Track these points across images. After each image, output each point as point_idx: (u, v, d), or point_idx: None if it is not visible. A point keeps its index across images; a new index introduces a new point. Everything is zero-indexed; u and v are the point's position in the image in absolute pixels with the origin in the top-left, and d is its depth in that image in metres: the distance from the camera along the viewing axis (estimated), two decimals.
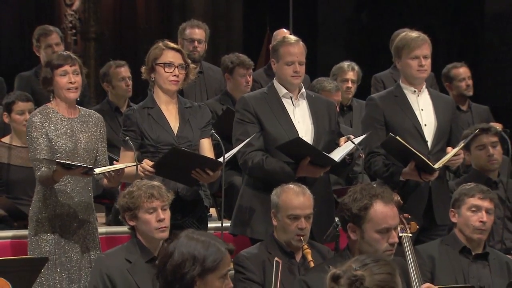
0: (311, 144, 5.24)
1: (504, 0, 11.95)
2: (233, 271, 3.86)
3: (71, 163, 4.76)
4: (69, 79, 4.94)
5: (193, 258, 3.25)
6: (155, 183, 4.56)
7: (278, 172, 5.18)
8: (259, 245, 4.91)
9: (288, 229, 4.76)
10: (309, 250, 4.70)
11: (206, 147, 5.23)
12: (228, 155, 5.06)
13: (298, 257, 4.79)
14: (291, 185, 4.86)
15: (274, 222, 4.83)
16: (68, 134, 4.97)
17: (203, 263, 3.24)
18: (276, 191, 4.85)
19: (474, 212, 4.89)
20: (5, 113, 6.16)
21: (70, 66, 4.96)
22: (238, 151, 5.20)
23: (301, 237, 4.74)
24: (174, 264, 3.27)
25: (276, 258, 3.75)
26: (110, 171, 4.80)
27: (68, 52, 5.13)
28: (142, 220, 4.46)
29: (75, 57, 5.05)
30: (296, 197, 4.77)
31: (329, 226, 5.13)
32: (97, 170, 4.76)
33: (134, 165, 4.86)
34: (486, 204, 4.91)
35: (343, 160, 5.19)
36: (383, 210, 4.01)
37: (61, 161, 4.75)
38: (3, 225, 5.89)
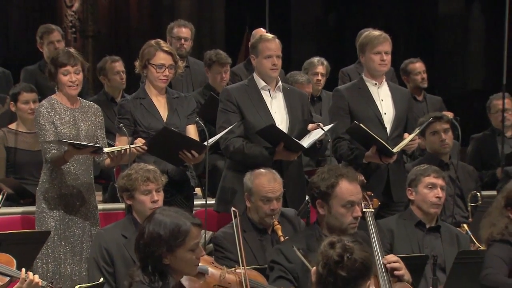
0: (286, 131, 5.24)
1: (454, 3, 12.00)
2: (202, 241, 3.84)
3: (81, 143, 4.78)
4: (70, 78, 4.94)
5: (159, 238, 3.25)
6: (151, 167, 4.54)
7: (257, 156, 5.18)
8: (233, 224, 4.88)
9: (261, 210, 4.74)
10: (279, 226, 4.69)
11: (192, 132, 5.23)
12: (211, 140, 5.07)
13: (269, 232, 4.77)
14: (263, 170, 4.84)
15: (248, 204, 4.81)
16: (71, 122, 4.97)
17: (169, 241, 3.24)
18: (249, 177, 4.83)
19: (431, 189, 4.91)
20: (11, 102, 6.14)
21: (72, 66, 4.95)
22: (221, 137, 5.20)
23: (274, 216, 4.73)
24: (144, 243, 3.29)
25: (232, 208, 3.73)
26: (115, 151, 4.81)
27: (72, 51, 5.09)
28: (138, 201, 4.44)
29: (77, 56, 5.03)
30: (268, 183, 4.75)
31: (301, 203, 5.15)
32: (105, 150, 4.80)
33: (137, 146, 4.87)
34: (440, 181, 4.94)
35: (314, 145, 5.20)
36: (348, 187, 4.03)
37: (73, 141, 4.77)
38: (11, 202, 5.87)
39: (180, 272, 3.33)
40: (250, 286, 3.63)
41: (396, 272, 4.02)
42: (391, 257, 4.06)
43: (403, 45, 10.92)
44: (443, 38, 12.02)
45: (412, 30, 11.89)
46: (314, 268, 3.08)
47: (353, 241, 3.04)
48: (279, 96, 5.40)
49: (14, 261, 3.91)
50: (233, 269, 3.69)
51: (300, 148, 5.15)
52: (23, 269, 3.82)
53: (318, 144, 5.28)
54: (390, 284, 3.91)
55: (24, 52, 10.81)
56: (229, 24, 12.46)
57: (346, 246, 3.00)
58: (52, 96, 5.05)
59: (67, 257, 4.91)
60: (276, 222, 4.69)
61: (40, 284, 3.81)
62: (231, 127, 5.16)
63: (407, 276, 4.10)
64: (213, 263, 3.72)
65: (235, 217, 3.73)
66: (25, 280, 3.77)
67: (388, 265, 4.01)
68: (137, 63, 5.18)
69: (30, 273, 3.80)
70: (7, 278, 3.83)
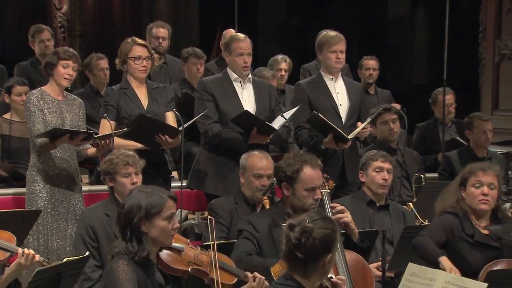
0: None
1: (401, 8, 12.06)
2: (178, 219, 3.83)
3: (74, 129, 4.76)
4: (68, 71, 4.92)
5: (138, 206, 3.29)
6: (130, 152, 4.51)
7: (233, 140, 5.16)
8: (228, 197, 4.86)
9: (252, 185, 4.71)
10: (267, 201, 4.69)
11: (170, 119, 5.22)
12: (186, 124, 5.07)
13: (258, 209, 4.76)
14: (256, 152, 4.82)
15: (242, 180, 4.78)
16: (57, 112, 4.93)
17: (147, 208, 3.28)
18: (244, 156, 4.81)
19: (378, 172, 4.93)
20: (5, 94, 6.09)
21: (73, 62, 4.93)
22: (199, 123, 5.22)
23: (262, 191, 4.71)
24: (124, 212, 3.31)
25: (209, 216, 3.75)
26: (102, 140, 4.81)
27: (74, 52, 5.06)
28: (119, 183, 4.40)
29: (78, 57, 5.02)
30: (260, 161, 4.74)
31: None
32: (96, 136, 4.80)
33: (123, 131, 4.87)
34: (386, 165, 4.95)
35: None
36: (311, 173, 4.04)
37: (69, 129, 4.74)
38: (6, 184, 5.84)
39: (156, 241, 3.32)
40: (220, 266, 3.64)
41: (343, 220, 4.07)
42: (339, 207, 4.10)
43: (357, 45, 10.94)
44: (391, 38, 12.07)
45: (365, 31, 11.92)
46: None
47: (314, 220, 2.98)
48: (249, 87, 5.39)
49: (14, 238, 3.86)
50: (206, 251, 3.68)
51: (272, 130, 5.16)
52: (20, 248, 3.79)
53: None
54: (344, 255, 3.93)
55: (18, 49, 10.67)
56: (203, 25, 12.40)
57: (305, 228, 2.94)
58: (42, 87, 5.01)
59: (53, 233, 4.87)
60: (265, 198, 4.68)
61: (37, 259, 3.77)
62: (203, 112, 5.16)
63: (353, 224, 4.16)
64: (188, 244, 3.71)
65: (211, 225, 3.71)
66: (22, 255, 3.73)
67: (335, 216, 4.05)
68: (117, 61, 5.17)
69: (30, 250, 3.76)
70: (8, 254, 3.78)
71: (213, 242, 3.62)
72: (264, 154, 4.80)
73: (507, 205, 5.27)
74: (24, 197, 5.02)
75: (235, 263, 3.87)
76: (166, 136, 4.93)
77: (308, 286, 2.99)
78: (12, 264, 3.79)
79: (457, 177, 4.40)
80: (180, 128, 4.99)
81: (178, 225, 3.43)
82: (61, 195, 4.91)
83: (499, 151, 6.99)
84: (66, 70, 4.90)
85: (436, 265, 3.97)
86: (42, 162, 4.87)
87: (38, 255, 3.79)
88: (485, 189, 4.21)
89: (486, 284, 3.14)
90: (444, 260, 3.97)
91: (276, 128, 5.15)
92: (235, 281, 3.71)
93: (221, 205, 4.76)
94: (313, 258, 2.95)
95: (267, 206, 4.65)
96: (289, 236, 2.97)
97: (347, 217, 4.14)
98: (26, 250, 3.74)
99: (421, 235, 4.17)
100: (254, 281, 3.59)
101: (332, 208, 4.13)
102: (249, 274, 3.60)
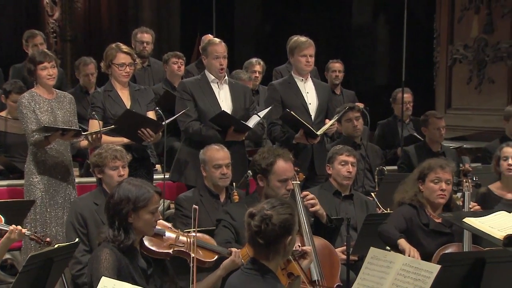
0: None
1: (364, 15, 12.11)
2: (161, 208, 3.80)
3: (65, 127, 4.71)
4: (48, 72, 4.85)
5: (127, 198, 3.28)
6: (118, 147, 4.48)
7: (212, 137, 5.14)
8: (193, 190, 4.84)
9: (214, 175, 4.68)
10: (237, 196, 4.66)
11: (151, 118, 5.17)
12: (168, 120, 5.06)
13: (222, 198, 4.74)
14: (212, 145, 4.80)
15: (204, 173, 4.76)
16: (49, 111, 4.87)
17: (135, 202, 3.28)
18: (202, 151, 4.79)
19: (343, 165, 4.95)
20: (3, 95, 6.04)
21: (48, 62, 4.85)
22: (180, 121, 5.20)
23: (225, 180, 4.68)
24: (113, 202, 3.31)
25: (194, 206, 3.73)
26: (92, 134, 4.78)
27: (45, 50, 5.00)
28: (107, 175, 4.37)
29: (51, 54, 4.95)
30: (217, 152, 4.72)
31: (242, 176, 5.14)
32: (84, 133, 4.76)
33: (110, 128, 4.83)
34: (351, 159, 4.97)
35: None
36: (283, 166, 4.05)
37: (59, 127, 4.69)
38: (2, 176, 5.78)
39: (140, 231, 3.33)
40: (200, 245, 3.63)
41: (312, 209, 4.10)
42: (309, 195, 4.13)
43: (325, 49, 10.96)
44: (356, 43, 12.13)
45: (332, 37, 11.95)
46: None
47: (273, 207, 2.97)
48: (226, 88, 5.38)
49: (2, 218, 3.83)
50: (186, 232, 3.67)
51: (247, 129, 5.15)
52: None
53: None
54: (313, 240, 3.95)
55: (13, 53, 10.55)
56: (184, 31, 12.35)
57: (264, 216, 2.93)
58: (32, 89, 4.96)
59: (52, 221, 4.84)
60: (235, 193, 4.65)
61: (24, 232, 3.74)
62: (184, 110, 5.15)
63: (321, 210, 4.19)
64: (170, 228, 3.69)
65: (195, 217, 3.70)
66: (6, 231, 3.72)
67: (306, 202, 4.06)
68: (102, 64, 5.13)
69: (18, 226, 3.74)
70: None
71: (194, 229, 3.61)
72: (220, 146, 4.77)
73: (459, 194, 5.33)
74: (18, 189, 5.00)
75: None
76: (149, 130, 4.88)
77: (272, 267, 2.99)
78: (3, 238, 3.77)
79: (415, 171, 4.41)
80: (163, 123, 4.96)
81: (160, 217, 3.44)
82: (58, 185, 4.87)
83: (451, 146, 7.08)
84: (46, 72, 4.83)
85: (397, 247, 4.00)
86: (40, 156, 4.83)
87: (25, 229, 3.77)
88: (443, 185, 4.25)
89: (439, 266, 3.17)
90: (402, 242, 4.01)
91: (251, 126, 5.13)
92: (215, 258, 3.71)
93: (186, 199, 4.71)
94: (273, 242, 2.94)
95: (236, 200, 4.62)
96: (250, 224, 2.96)
97: (316, 204, 4.15)
98: (14, 226, 3.73)
99: (384, 223, 4.19)
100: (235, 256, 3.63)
101: (303, 196, 4.13)
102: (233, 249, 3.61)
